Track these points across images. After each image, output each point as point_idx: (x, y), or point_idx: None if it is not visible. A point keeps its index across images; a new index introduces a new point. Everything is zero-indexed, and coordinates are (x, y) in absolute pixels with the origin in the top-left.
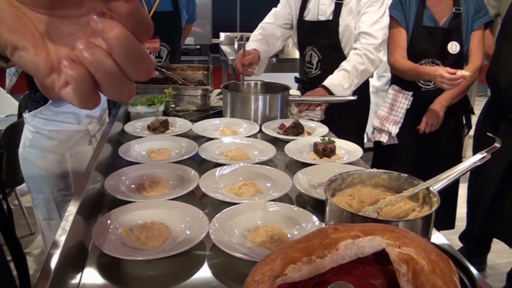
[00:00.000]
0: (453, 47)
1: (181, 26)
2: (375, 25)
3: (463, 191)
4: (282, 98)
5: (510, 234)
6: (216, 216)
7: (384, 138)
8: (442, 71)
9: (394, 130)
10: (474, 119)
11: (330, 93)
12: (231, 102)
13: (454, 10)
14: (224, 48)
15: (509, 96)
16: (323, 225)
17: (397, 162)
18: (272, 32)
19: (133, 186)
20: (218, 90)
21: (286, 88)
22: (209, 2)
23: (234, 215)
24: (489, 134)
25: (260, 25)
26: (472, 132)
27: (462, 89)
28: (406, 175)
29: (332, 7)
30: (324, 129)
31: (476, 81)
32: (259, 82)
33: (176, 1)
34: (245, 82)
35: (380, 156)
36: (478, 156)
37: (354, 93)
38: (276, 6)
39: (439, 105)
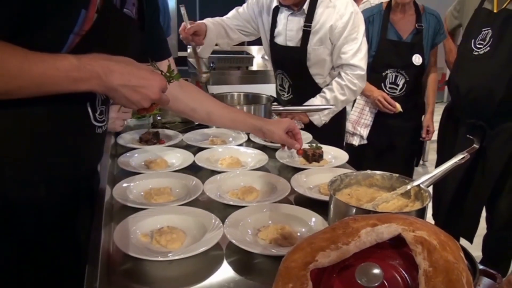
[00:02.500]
0: (417, 59)
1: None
2: (357, 54)
3: None
4: (266, 109)
5: (470, 231)
6: (228, 217)
7: (355, 141)
8: (380, 97)
9: (365, 132)
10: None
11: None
12: None
13: (417, 26)
14: (192, 61)
15: (468, 103)
16: (327, 222)
17: (368, 160)
18: (224, 25)
19: (142, 193)
20: None
21: (269, 99)
22: (175, 16)
23: (244, 217)
24: (469, 136)
25: (219, 18)
26: (434, 137)
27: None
28: (397, 175)
29: (300, 34)
30: (308, 136)
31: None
32: (242, 93)
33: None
34: (228, 94)
35: (353, 157)
36: (459, 156)
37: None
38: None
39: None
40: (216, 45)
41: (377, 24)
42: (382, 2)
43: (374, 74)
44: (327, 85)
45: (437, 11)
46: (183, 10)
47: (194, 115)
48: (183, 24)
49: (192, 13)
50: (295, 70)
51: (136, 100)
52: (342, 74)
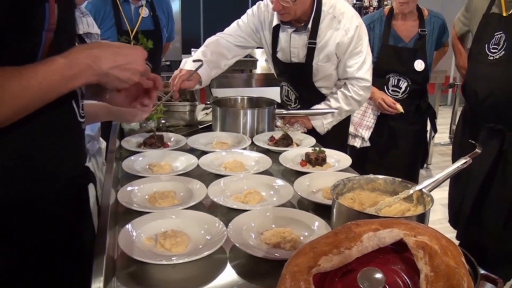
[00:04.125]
0: (419, 65)
1: (162, 44)
2: (363, 67)
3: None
4: (269, 112)
5: (494, 239)
6: (232, 221)
7: (357, 143)
8: (381, 101)
9: (367, 134)
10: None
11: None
12: (221, 117)
13: (419, 31)
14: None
15: (487, 108)
16: (330, 226)
17: (370, 162)
18: (222, 51)
19: (146, 197)
20: (202, 105)
21: (272, 103)
22: (179, 20)
23: (247, 221)
24: (471, 141)
25: (218, 36)
26: (437, 140)
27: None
28: (399, 179)
29: (305, 50)
30: (311, 140)
31: (439, 92)
32: (246, 97)
33: (157, 20)
34: (231, 97)
35: (354, 158)
36: (462, 160)
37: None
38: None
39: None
40: None
41: (378, 30)
42: (383, 8)
43: (377, 78)
44: (332, 93)
45: (442, 15)
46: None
47: None
48: (181, 74)
49: (196, 14)
50: (301, 84)
51: (127, 77)
52: (348, 85)
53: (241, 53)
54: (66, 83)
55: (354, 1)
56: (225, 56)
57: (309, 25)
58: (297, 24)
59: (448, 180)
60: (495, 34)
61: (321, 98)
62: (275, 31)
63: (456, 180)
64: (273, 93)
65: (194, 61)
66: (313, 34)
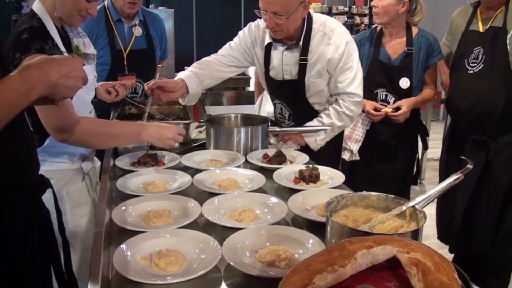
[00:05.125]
0: (404, 82)
1: (155, 63)
2: (353, 82)
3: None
4: (263, 130)
5: (485, 252)
6: (226, 240)
7: (346, 156)
8: (369, 108)
9: (355, 147)
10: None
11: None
12: (215, 135)
13: (406, 50)
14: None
15: (470, 120)
16: (324, 244)
17: (360, 177)
18: (214, 69)
19: (140, 216)
20: (196, 123)
21: (266, 121)
22: (172, 38)
23: (242, 239)
24: (463, 157)
25: (211, 56)
26: (430, 155)
27: (422, 101)
28: (392, 196)
29: (297, 67)
30: (305, 157)
31: (431, 107)
32: (239, 115)
33: (150, 39)
34: (225, 115)
35: (344, 171)
36: (454, 176)
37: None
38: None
39: (406, 104)
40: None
41: (367, 46)
42: (376, 26)
43: (366, 92)
44: (325, 109)
45: (432, 34)
46: (157, 72)
47: None
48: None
49: (189, 32)
50: (294, 101)
51: (73, 85)
52: (340, 101)
53: (233, 73)
54: (24, 99)
55: (346, 19)
56: (215, 75)
57: (301, 42)
58: (289, 42)
59: None
60: (474, 49)
61: (315, 114)
62: (267, 49)
63: (444, 195)
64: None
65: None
66: (305, 51)
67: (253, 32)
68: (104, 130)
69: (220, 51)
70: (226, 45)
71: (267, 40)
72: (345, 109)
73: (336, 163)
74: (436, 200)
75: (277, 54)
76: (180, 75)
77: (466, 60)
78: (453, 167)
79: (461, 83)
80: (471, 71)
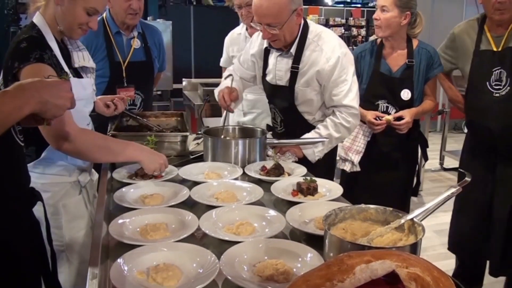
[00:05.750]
0: (405, 94)
1: (153, 75)
2: (348, 95)
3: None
4: (260, 142)
5: (496, 262)
6: (224, 254)
7: (347, 167)
8: (370, 117)
9: (356, 159)
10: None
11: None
12: (212, 147)
13: (407, 62)
14: (188, 93)
15: (504, 142)
16: (322, 257)
17: (360, 188)
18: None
19: (137, 229)
20: (194, 135)
21: (264, 132)
22: (170, 50)
23: (240, 253)
24: (460, 170)
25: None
26: (428, 166)
27: (423, 112)
28: (391, 208)
29: (288, 74)
30: (302, 170)
31: (429, 118)
32: (237, 127)
33: (148, 51)
34: (223, 127)
35: (344, 182)
36: (452, 189)
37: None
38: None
39: (409, 114)
40: None
41: (368, 58)
42: (376, 39)
43: (367, 104)
44: (320, 121)
45: (432, 46)
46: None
47: None
48: (225, 91)
49: (187, 44)
50: (284, 107)
51: (62, 104)
52: (337, 113)
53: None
54: (16, 112)
55: (343, 31)
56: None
57: (292, 50)
58: (284, 48)
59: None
60: (493, 70)
61: (305, 123)
62: (266, 54)
63: (460, 208)
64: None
65: (225, 78)
66: (297, 59)
67: (253, 41)
68: (104, 144)
69: (234, 68)
70: (236, 62)
71: (265, 44)
72: (342, 120)
73: (330, 174)
74: (452, 212)
75: (272, 59)
76: (224, 82)
77: (487, 83)
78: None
79: (488, 107)
80: (497, 94)
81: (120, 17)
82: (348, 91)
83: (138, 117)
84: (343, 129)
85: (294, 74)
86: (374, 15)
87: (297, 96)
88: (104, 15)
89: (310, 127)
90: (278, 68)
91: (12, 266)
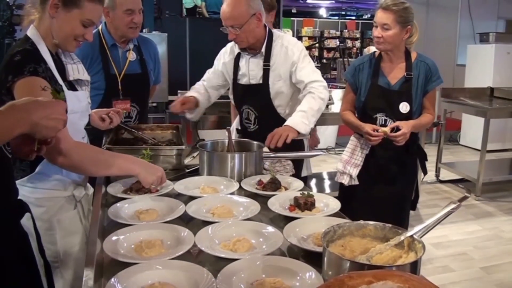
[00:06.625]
0: (404, 107)
1: (149, 87)
2: (315, 72)
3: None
4: (257, 155)
5: None
6: (221, 272)
7: (345, 180)
8: (368, 128)
9: (355, 172)
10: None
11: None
12: (208, 161)
13: (405, 75)
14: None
15: None
16: (321, 275)
17: (358, 201)
18: (209, 91)
19: (132, 246)
20: (189, 149)
21: (260, 146)
22: (165, 62)
23: (237, 270)
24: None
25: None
26: (424, 178)
27: (421, 125)
28: (390, 225)
29: (261, 72)
30: (299, 184)
31: (424, 130)
32: (233, 140)
33: (144, 64)
34: (219, 140)
35: (342, 195)
36: (451, 205)
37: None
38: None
39: (406, 125)
40: None
41: (366, 71)
42: (374, 51)
43: (365, 117)
44: (290, 114)
45: (431, 59)
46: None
47: None
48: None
49: (182, 56)
50: (260, 104)
51: (53, 126)
52: (309, 88)
53: (215, 96)
54: (6, 133)
55: (338, 43)
56: (210, 95)
57: (262, 49)
58: (254, 51)
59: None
60: None
61: (278, 117)
62: (236, 60)
63: None
64: None
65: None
66: (267, 58)
67: (222, 54)
68: (99, 157)
69: (204, 78)
70: (207, 73)
71: (236, 51)
72: (317, 93)
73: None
74: None
75: (243, 62)
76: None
77: None
78: None
79: None
80: None
81: (121, 31)
82: (314, 71)
83: (133, 130)
84: (320, 100)
85: (266, 71)
86: (374, 33)
87: (271, 90)
88: (99, 27)
89: (282, 121)
90: (251, 68)
91: (2, 279)
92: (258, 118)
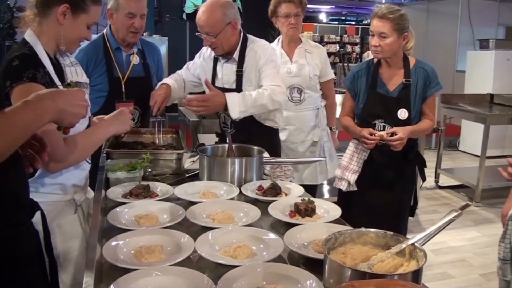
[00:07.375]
0: (402, 113)
1: (152, 90)
2: (277, 78)
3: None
4: (257, 161)
5: None
6: (221, 279)
7: (343, 186)
8: (364, 132)
9: (353, 178)
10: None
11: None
12: (208, 166)
13: (404, 81)
14: (182, 109)
15: None
16: (322, 283)
17: (357, 207)
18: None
19: (132, 252)
20: (189, 153)
21: (260, 151)
22: (166, 64)
23: (237, 278)
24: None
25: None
26: (423, 184)
27: (419, 131)
28: (391, 233)
29: (234, 77)
30: (300, 190)
31: (424, 136)
32: (233, 145)
33: (147, 67)
34: (219, 145)
35: (341, 201)
36: (453, 213)
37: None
38: None
39: (402, 130)
40: None
41: (364, 77)
42: (373, 58)
43: (363, 123)
44: (264, 117)
45: (430, 65)
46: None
47: None
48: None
49: (182, 59)
50: None
51: (78, 112)
52: (266, 87)
53: (189, 90)
54: (38, 120)
55: (337, 48)
56: (185, 85)
57: (234, 55)
58: (229, 57)
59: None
60: None
61: (253, 120)
62: (214, 63)
63: None
64: None
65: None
66: (240, 63)
67: (203, 53)
68: (86, 143)
69: (181, 71)
70: (185, 66)
71: (213, 54)
72: (270, 91)
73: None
74: None
75: (219, 66)
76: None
77: None
78: None
79: None
80: None
81: (121, 34)
82: (276, 75)
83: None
84: (269, 98)
85: (239, 76)
86: (371, 42)
87: None
88: (104, 31)
89: (258, 124)
90: (225, 73)
91: (18, 278)
92: (235, 122)
